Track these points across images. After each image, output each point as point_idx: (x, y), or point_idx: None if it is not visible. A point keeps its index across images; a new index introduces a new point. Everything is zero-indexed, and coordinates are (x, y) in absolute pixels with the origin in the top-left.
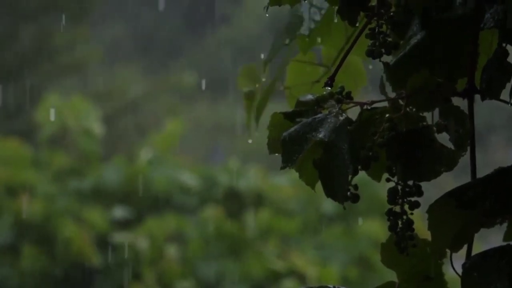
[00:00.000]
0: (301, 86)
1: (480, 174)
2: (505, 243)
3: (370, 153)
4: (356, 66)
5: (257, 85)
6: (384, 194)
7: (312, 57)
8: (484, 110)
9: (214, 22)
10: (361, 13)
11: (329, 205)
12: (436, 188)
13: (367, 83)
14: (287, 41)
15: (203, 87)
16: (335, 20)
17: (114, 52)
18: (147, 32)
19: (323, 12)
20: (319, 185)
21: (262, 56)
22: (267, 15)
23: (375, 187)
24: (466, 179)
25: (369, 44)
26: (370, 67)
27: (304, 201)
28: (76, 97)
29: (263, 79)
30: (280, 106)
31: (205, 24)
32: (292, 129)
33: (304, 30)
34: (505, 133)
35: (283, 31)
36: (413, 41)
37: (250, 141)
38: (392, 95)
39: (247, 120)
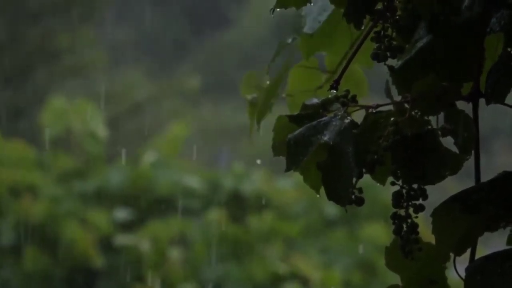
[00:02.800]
0: (303, 93)
1: (484, 178)
2: (508, 247)
3: (376, 157)
4: (357, 76)
5: (260, 92)
6: (386, 198)
7: (315, 64)
8: (489, 114)
9: (218, 25)
10: (367, 18)
11: (332, 209)
12: (438, 191)
13: (372, 87)
14: (289, 40)
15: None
16: (340, 24)
17: (118, 55)
18: (152, 35)
19: (328, 13)
20: (323, 188)
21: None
22: (272, 16)
23: (378, 191)
24: (469, 183)
25: (375, 47)
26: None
27: (308, 205)
28: (81, 100)
29: (267, 82)
30: (284, 109)
31: (209, 27)
32: (297, 131)
33: (308, 29)
34: (509, 138)
35: (288, 31)
36: (419, 44)
37: (251, 145)
38: (398, 98)
39: (251, 127)
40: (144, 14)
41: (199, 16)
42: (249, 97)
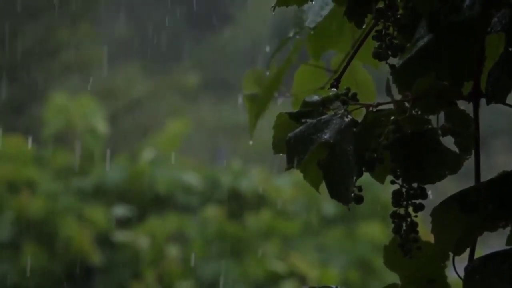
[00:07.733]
0: (308, 92)
1: (483, 178)
2: (508, 247)
3: (375, 155)
4: (365, 82)
5: (260, 88)
6: (385, 197)
7: (322, 63)
8: (488, 115)
9: (218, 22)
10: (368, 17)
11: (330, 207)
12: (435, 191)
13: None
14: (291, 34)
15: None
16: (346, 22)
17: (117, 51)
18: (151, 31)
19: (330, 7)
20: (323, 186)
21: (267, 49)
22: (273, 14)
23: (376, 190)
24: (467, 183)
25: (376, 46)
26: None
27: (305, 203)
28: (83, 96)
29: (267, 78)
30: (286, 107)
31: (209, 24)
32: (297, 130)
33: (310, 22)
34: (508, 138)
35: (290, 25)
36: (420, 43)
37: (251, 142)
38: (398, 97)
39: (250, 124)
40: (143, 10)
41: (199, 13)
42: (248, 92)
